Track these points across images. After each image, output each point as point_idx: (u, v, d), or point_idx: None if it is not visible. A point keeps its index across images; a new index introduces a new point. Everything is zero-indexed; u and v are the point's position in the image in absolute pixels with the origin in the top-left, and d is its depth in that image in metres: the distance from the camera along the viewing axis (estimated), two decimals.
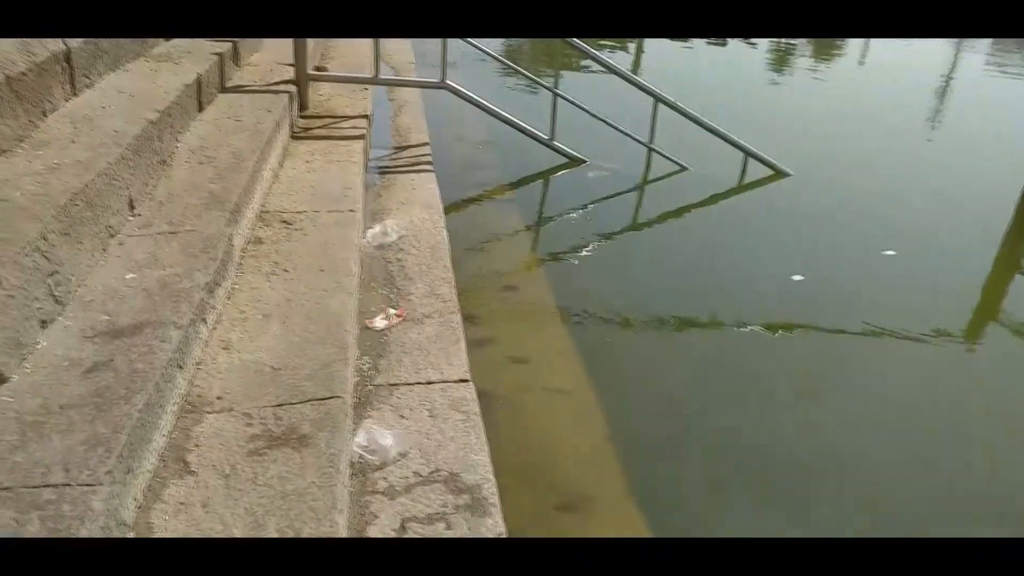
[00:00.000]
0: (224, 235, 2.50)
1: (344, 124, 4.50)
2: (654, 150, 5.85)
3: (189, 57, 3.78)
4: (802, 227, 5.14)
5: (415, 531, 1.90)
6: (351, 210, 3.27)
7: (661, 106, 5.68)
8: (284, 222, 3.12)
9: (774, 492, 2.77)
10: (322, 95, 4.98)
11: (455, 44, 4.94)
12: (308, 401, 2.05)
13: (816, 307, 4.03)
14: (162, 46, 3.91)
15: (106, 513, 1.43)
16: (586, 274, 4.32)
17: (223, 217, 2.62)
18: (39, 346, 1.88)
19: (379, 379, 2.48)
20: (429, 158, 4.70)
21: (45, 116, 2.66)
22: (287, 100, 4.06)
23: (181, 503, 1.70)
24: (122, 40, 3.38)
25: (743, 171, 5.90)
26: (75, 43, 2.84)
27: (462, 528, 1.92)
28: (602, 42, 10.45)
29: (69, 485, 1.46)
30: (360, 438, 2.14)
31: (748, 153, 5.90)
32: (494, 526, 1.94)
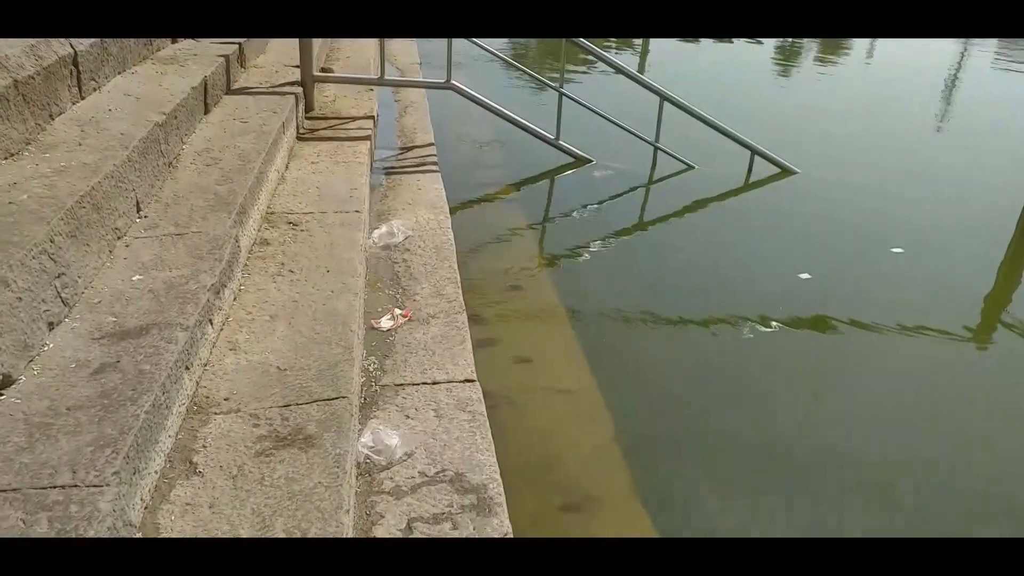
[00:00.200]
0: (230, 236, 2.51)
1: (350, 125, 4.51)
2: (660, 149, 5.85)
3: (195, 60, 3.79)
4: (809, 225, 5.13)
5: (421, 531, 1.90)
6: (357, 211, 3.28)
7: (667, 105, 5.68)
8: (290, 223, 3.13)
9: (779, 491, 2.76)
10: (327, 96, 4.99)
11: (460, 45, 4.95)
12: (314, 402, 2.05)
13: (823, 305, 4.02)
14: (168, 49, 3.92)
15: (113, 514, 1.43)
16: (591, 274, 4.32)
17: (229, 219, 2.63)
18: (46, 348, 1.89)
19: (385, 379, 2.49)
20: (435, 158, 4.71)
21: (52, 119, 2.68)
22: (293, 101, 4.07)
23: (188, 504, 1.71)
24: (128, 43, 3.40)
25: (750, 169, 5.90)
26: (82, 46, 2.86)
27: (468, 528, 1.93)
28: (607, 42, 10.45)
29: (76, 486, 1.47)
30: (366, 438, 2.15)
31: (755, 151, 5.89)
32: (500, 526, 1.94)
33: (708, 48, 11.19)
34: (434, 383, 2.49)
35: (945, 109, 8.99)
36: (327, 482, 1.79)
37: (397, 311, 2.88)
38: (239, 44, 4.32)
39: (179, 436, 1.91)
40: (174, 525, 1.65)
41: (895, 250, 4.71)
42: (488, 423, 2.32)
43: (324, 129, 4.43)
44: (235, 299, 2.52)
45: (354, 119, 4.61)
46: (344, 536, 1.69)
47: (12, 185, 2.18)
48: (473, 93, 5.05)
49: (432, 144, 4.97)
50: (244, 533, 1.64)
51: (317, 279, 2.70)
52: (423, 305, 2.96)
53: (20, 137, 2.43)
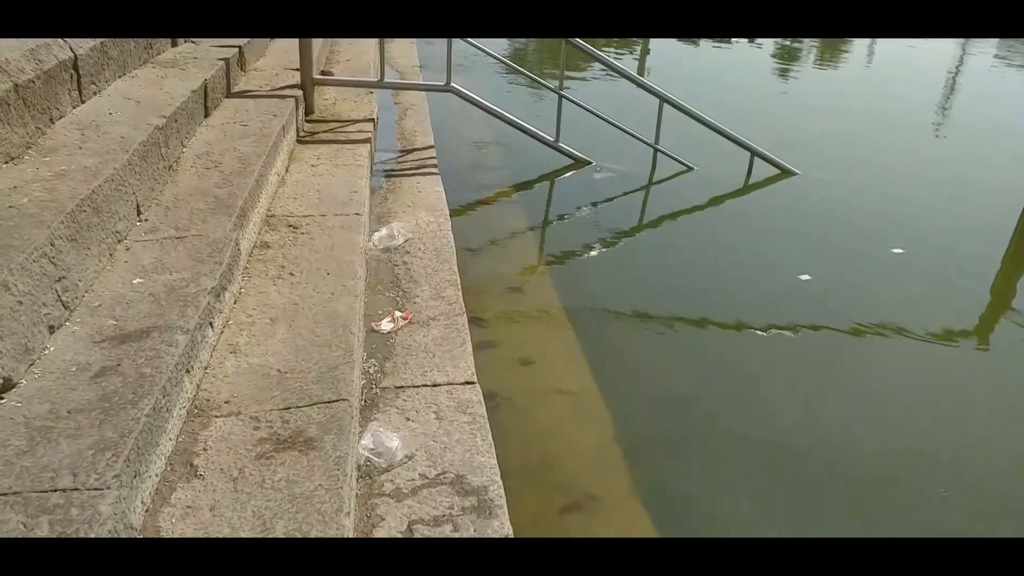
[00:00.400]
0: (230, 239, 2.51)
1: (350, 128, 4.52)
2: (660, 151, 5.85)
3: (195, 63, 3.80)
4: (809, 226, 5.13)
5: (422, 533, 1.91)
6: (357, 214, 3.28)
7: (667, 107, 5.68)
8: (290, 226, 3.13)
9: (781, 492, 2.76)
10: (327, 99, 4.99)
11: (460, 47, 4.95)
12: (315, 404, 2.06)
13: (823, 306, 4.02)
14: (168, 52, 3.93)
15: (114, 517, 1.43)
16: (592, 275, 4.32)
17: (229, 222, 2.63)
18: (47, 351, 1.89)
19: (385, 381, 2.49)
20: (435, 161, 4.71)
21: (53, 123, 2.68)
22: (293, 105, 4.07)
23: (189, 507, 1.71)
24: (128, 46, 3.41)
25: (749, 171, 5.90)
26: (82, 50, 2.86)
27: (469, 530, 1.93)
28: (607, 44, 10.45)
29: (77, 489, 1.47)
30: (367, 440, 2.15)
31: (754, 152, 5.90)
32: (500, 527, 1.94)
33: (707, 50, 11.20)
34: (434, 385, 2.49)
35: (945, 109, 9.00)
36: (328, 484, 1.79)
37: (397, 313, 2.88)
38: (239, 47, 4.33)
39: (180, 439, 1.91)
40: (175, 528, 1.65)
41: (895, 250, 4.71)
42: (488, 425, 2.32)
43: (324, 132, 4.43)
44: (235, 302, 2.52)
45: (354, 122, 4.61)
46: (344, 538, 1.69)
47: (12, 189, 2.18)
48: (473, 95, 5.06)
49: (432, 147, 4.97)
50: (245, 536, 1.64)
51: (317, 282, 2.70)
52: (423, 307, 2.96)
53: (20, 141, 2.43)
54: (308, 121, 4.55)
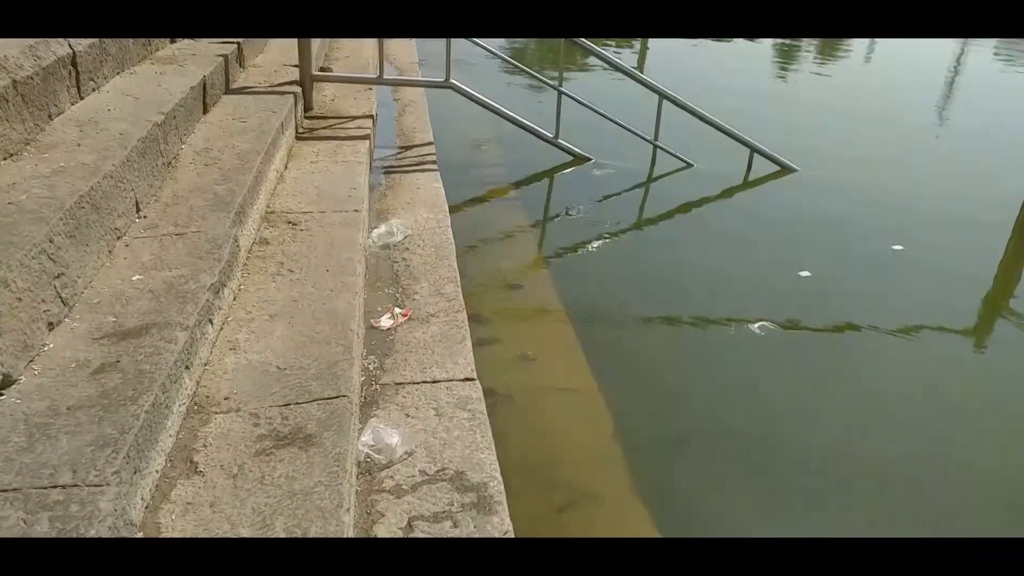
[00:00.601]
0: (229, 236, 2.51)
1: (349, 124, 4.51)
2: (660, 147, 5.85)
3: (194, 59, 3.79)
4: (808, 223, 5.13)
5: (422, 530, 1.91)
6: (356, 210, 3.28)
7: (666, 103, 5.68)
8: (289, 223, 3.13)
9: (780, 489, 2.77)
10: (326, 96, 4.99)
11: (460, 43, 4.95)
12: (314, 401, 2.05)
13: (823, 303, 4.03)
14: (167, 49, 3.92)
15: (114, 513, 1.43)
16: (591, 271, 4.32)
17: (228, 218, 2.63)
18: (46, 348, 1.89)
19: (385, 378, 2.49)
20: (434, 157, 4.71)
21: (51, 119, 2.68)
22: (292, 101, 4.07)
23: (189, 503, 1.71)
24: (127, 43, 3.40)
25: (749, 167, 5.90)
26: (81, 47, 2.86)
27: (468, 527, 1.93)
28: (606, 41, 10.44)
29: (77, 486, 1.47)
30: (367, 437, 2.15)
31: (754, 149, 5.89)
32: (500, 524, 1.94)
33: (707, 46, 11.19)
34: (434, 382, 2.49)
35: (944, 107, 9.00)
36: (327, 481, 1.79)
37: (397, 310, 2.88)
38: (238, 44, 4.32)
39: (179, 436, 1.91)
40: (175, 524, 1.65)
41: (895, 247, 4.71)
42: (488, 421, 2.32)
43: (323, 128, 4.42)
44: (235, 299, 2.52)
45: (353, 118, 4.61)
46: (345, 535, 1.69)
47: (11, 185, 2.18)
48: (472, 92, 5.05)
49: (431, 143, 4.97)
50: (245, 532, 1.64)
51: (316, 278, 2.70)
52: (423, 304, 2.96)
53: (19, 137, 2.43)
54: (307, 118, 4.54)
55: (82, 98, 2.93)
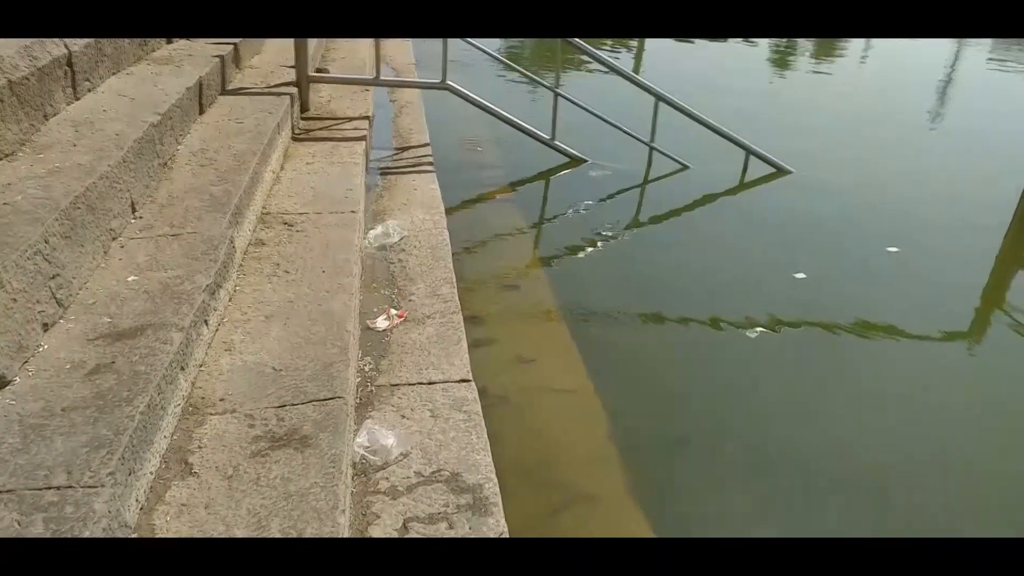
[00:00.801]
0: (225, 237, 2.51)
1: (345, 125, 4.51)
2: (655, 149, 5.85)
3: (190, 60, 3.79)
4: (804, 224, 5.14)
5: (417, 531, 1.90)
6: (352, 211, 3.28)
7: (662, 105, 5.68)
8: (285, 224, 3.12)
9: (776, 489, 2.77)
10: (323, 97, 4.98)
11: (456, 45, 4.95)
12: (310, 402, 2.05)
13: (818, 304, 4.03)
14: (163, 49, 3.92)
15: (108, 515, 1.43)
16: (588, 273, 4.32)
17: (224, 219, 2.63)
18: (41, 349, 1.89)
19: (381, 379, 2.49)
20: (430, 159, 4.70)
21: (47, 120, 2.67)
22: (288, 102, 4.06)
23: (184, 504, 1.71)
24: (123, 43, 3.39)
25: (744, 169, 5.91)
26: (77, 47, 2.85)
27: (464, 528, 1.93)
28: (603, 42, 10.45)
29: (72, 487, 1.47)
30: (362, 438, 2.15)
31: (749, 151, 5.90)
32: (496, 525, 1.94)
33: (703, 48, 11.20)
34: (430, 383, 2.49)
35: (939, 108, 9.02)
36: (323, 482, 1.79)
37: (393, 311, 2.88)
38: (234, 44, 4.31)
39: (175, 437, 1.91)
40: (169, 526, 1.65)
41: (890, 249, 4.72)
42: (484, 423, 2.32)
43: (319, 129, 4.42)
44: (230, 300, 2.51)
45: (349, 119, 4.61)
46: (340, 536, 1.69)
47: (7, 186, 2.17)
48: (468, 93, 5.05)
49: (427, 144, 4.97)
50: (240, 533, 1.64)
51: (312, 279, 2.70)
52: (419, 305, 2.96)
53: (15, 138, 2.42)
54: (303, 118, 4.54)
55: (78, 98, 2.92)
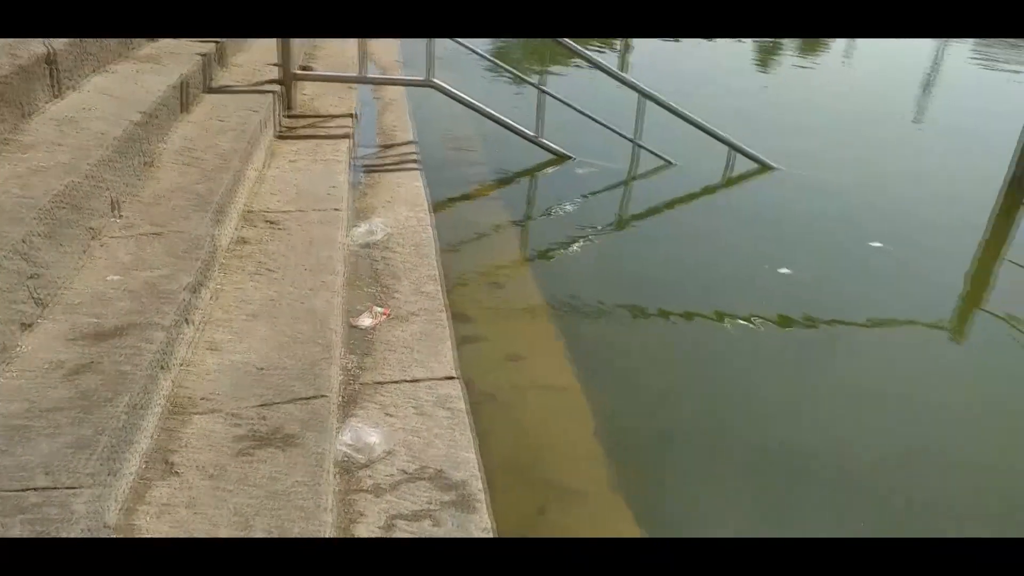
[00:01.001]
0: (209, 235, 2.50)
1: (330, 123, 4.50)
2: (640, 146, 5.86)
3: (173, 58, 3.77)
4: (788, 220, 5.16)
5: (402, 528, 1.91)
6: (336, 209, 3.28)
7: (647, 102, 5.70)
8: (269, 222, 3.12)
9: (764, 486, 2.78)
10: (307, 95, 4.97)
11: (442, 42, 4.94)
12: (294, 400, 2.05)
13: (803, 300, 4.05)
14: (147, 47, 3.90)
15: (88, 516, 1.43)
16: (574, 270, 4.33)
17: (208, 217, 2.62)
18: (23, 350, 1.88)
19: (365, 377, 2.49)
20: (415, 156, 4.70)
21: (29, 118, 2.66)
22: (272, 100, 4.06)
23: (165, 504, 1.71)
24: (107, 42, 3.38)
25: (729, 166, 5.93)
26: (59, 45, 2.84)
27: (449, 525, 1.93)
28: (590, 42, 10.46)
29: (53, 488, 1.46)
30: (346, 436, 2.15)
31: (734, 148, 5.92)
32: (481, 523, 1.95)
33: (688, 45, 11.22)
34: (414, 380, 2.49)
35: (923, 105, 9.07)
36: (307, 481, 1.79)
37: (377, 309, 2.88)
38: (218, 42, 4.30)
39: (158, 437, 1.91)
40: (150, 526, 1.65)
41: (874, 244, 4.75)
42: (469, 420, 2.33)
43: (304, 127, 4.41)
44: (214, 298, 2.51)
45: (334, 117, 4.60)
46: (325, 535, 1.70)
47: None
48: (454, 91, 5.05)
49: (412, 142, 4.97)
50: (224, 533, 1.64)
51: (296, 277, 2.70)
52: (403, 303, 2.96)
53: None
54: (288, 116, 4.53)
55: (61, 97, 2.91)
